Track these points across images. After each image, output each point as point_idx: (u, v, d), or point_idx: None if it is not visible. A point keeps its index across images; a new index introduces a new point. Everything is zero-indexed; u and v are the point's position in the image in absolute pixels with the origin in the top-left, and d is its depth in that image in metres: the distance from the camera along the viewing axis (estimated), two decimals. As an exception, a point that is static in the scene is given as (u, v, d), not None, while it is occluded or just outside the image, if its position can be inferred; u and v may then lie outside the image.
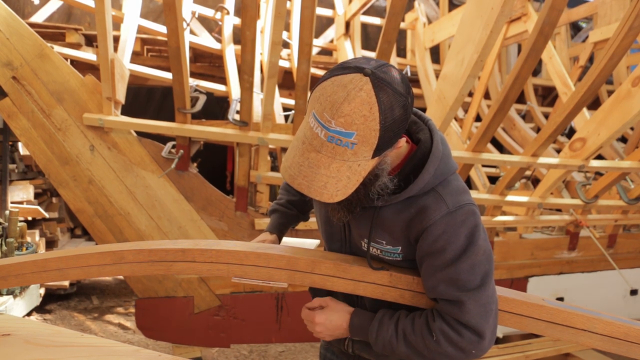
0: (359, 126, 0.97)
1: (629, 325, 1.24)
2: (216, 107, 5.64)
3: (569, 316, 1.24)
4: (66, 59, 3.39)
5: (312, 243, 1.62)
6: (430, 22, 5.51)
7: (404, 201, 1.16)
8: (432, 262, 1.14)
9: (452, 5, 5.87)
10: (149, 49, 4.87)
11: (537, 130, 5.41)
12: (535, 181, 4.25)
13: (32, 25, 4.04)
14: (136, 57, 4.47)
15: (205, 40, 4.58)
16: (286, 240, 1.59)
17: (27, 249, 3.94)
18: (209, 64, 5.14)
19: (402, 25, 5.34)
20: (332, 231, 1.34)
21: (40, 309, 4.51)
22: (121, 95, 2.81)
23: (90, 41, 4.50)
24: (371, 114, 0.97)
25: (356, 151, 1.00)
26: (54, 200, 5.15)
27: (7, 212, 3.94)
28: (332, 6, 5.26)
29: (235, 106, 3.04)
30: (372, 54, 4.43)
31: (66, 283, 4.66)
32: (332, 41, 5.47)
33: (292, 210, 1.59)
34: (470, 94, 4.75)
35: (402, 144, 1.11)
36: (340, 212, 1.17)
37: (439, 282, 1.14)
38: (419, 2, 5.46)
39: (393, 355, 1.22)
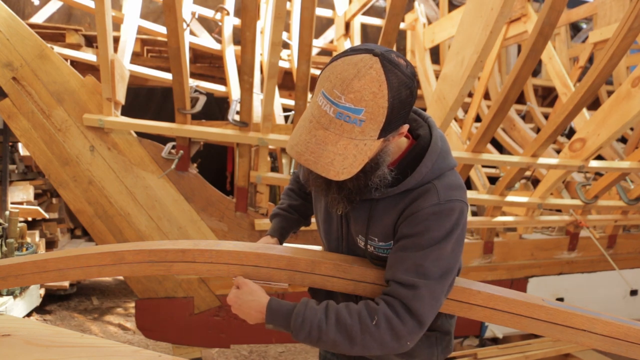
0: (368, 102, 1.00)
1: (629, 325, 1.24)
2: (216, 108, 5.64)
3: (568, 316, 1.24)
4: (66, 60, 3.39)
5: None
6: (430, 22, 5.52)
7: (400, 194, 1.17)
8: (404, 243, 1.15)
9: (452, 6, 5.87)
10: (149, 50, 4.88)
11: (537, 130, 5.41)
12: (535, 181, 4.25)
13: (32, 26, 4.04)
14: (136, 57, 4.48)
15: (205, 40, 4.58)
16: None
17: (27, 249, 3.95)
18: (208, 64, 5.14)
19: (402, 25, 5.34)
20: (330, 230, 1.35)
21: (40, 310, 4.51)
22: (121, 96, 2.81)
23: (90, 42, 4.51)
24: (380, 91, 1.00)
25: (364, 129, 1.02)
26: (54, 200, 5.16)
27: (7, 212, 3.95)
28: (332, 7, 5.26)
29: (235, 107, 3.04)
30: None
31: (66, 284, 4.66)
32: (332, 42, 5.47)
33: (293, 215, 1.59)
34: (470, 95, 4.75)
35: (405, 130, 1.12)
36: (341, 203, 1.17)
37: (402, 262, 1.13)
38: (419, 3, 5.47)
39: (317, 344, 1.15)
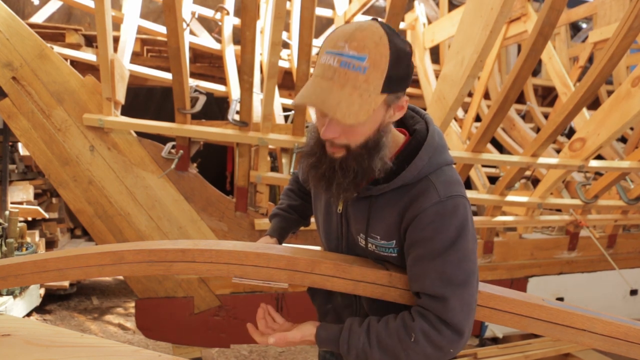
0: (370, 50, 1.02)
1: (629, 325, 1.24)
2: (216, 108, 5.64)
3: (569, 316, 1.24)
4: (66, 60, 3.39)
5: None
6: (430, 22, 5.51)
7: (398, 190, 1.16)
8: (419, 252, 1.14)
9: (452, 6, 5.87)
10: (149, 50, 4.88)
11: (537, 130, 5.41)
12: (535, 181, 4.25)
13: (32, 25, 4.04)
14: (136, 57, 4.48)
15: (205, 40, 4.58)
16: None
17: (27, 249, 3.95)
18: (208, 64, 5.15)
19: (402, 25, 5.34)
20: (330, 229, 1.34)
21: (40, 310, 4.51)
22: (121, 96, 2.81)
23: (90, 42, 4.51)
24: (381, 41, 1.04)
25: (367, 77, 1.03)
26: (54, 200, 5.16)
27: (7, 212, 3.95)
28: (332, 6, 5.27)
29: (235, 106, 3.04)
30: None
31: (66, 283, 4.66)
32: (332, 41, 5.46)
33: (293, 215, 1.59)
34: (470, 94, 4.75)
35: (406, 104, 1.14)
36: (348, 189, 1.15)
37: (425, 275, 1.13)
38: (419, 2, 5.47)
39: None
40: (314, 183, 1.20)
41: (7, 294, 3.60)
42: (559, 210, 3.97)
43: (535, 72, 6.46)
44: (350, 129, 1.09)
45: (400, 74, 1.07)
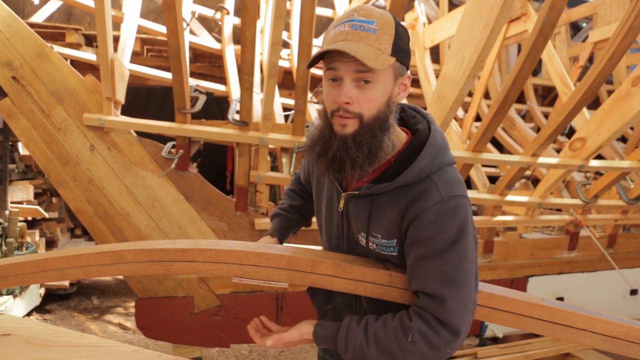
0: (377, 16, 1.11)
1: (629, 325, 1.24)
2: (216, 107, 5.64)
3: (569, 316, 1.24)
4: (66, 59, 3.39)
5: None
6: (430, 22, 5.51)
7: (400, 189, 1.16)
8: (420, 251, 1.14)
9: (452, 5, 5.87)
10: (149, 49, 4.88)
11: (537, 130, 5.41)
12: (535, 181, 4.25)
13: (32, 25, 4.04)
14: (136, 57, 4.48)
15: (205, 40, 4.58)
16: None
17: (27, 249, 3.95)
18: (208, 63, 5.14)
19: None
20: (330, 228, 1.34)
21: (40, 309, 4.51)
22: (121, 95, 2.81)
23: (90, 41, 4.51)
24: (385, 13, 1.13)
25: (378, 37, 1.09)
26: (54, 200, 5.15)
27: (7, 212, 3.95)
28: (332, 6, 5.27)
29: (235, 106, 3.04)
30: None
31: (66, 283, 4.66)
32: (332, 41, 5.45)
33: (294, 215, 1.59)
34: (470, 94, 4.75)
35: (409, 82, 1.19)
36: (364, 165, 1.14)
37: (425, 274, 1.13)
38: (419, 2, 5.46)
39: None
40: (323, 170, 1.18)
41: (7, 294, 3.60)
42: (559, 210, 3.97)
43: (535, 72, 6.46)
44: (364, 94, 1.11)
45: (404, 47, 1.13)
